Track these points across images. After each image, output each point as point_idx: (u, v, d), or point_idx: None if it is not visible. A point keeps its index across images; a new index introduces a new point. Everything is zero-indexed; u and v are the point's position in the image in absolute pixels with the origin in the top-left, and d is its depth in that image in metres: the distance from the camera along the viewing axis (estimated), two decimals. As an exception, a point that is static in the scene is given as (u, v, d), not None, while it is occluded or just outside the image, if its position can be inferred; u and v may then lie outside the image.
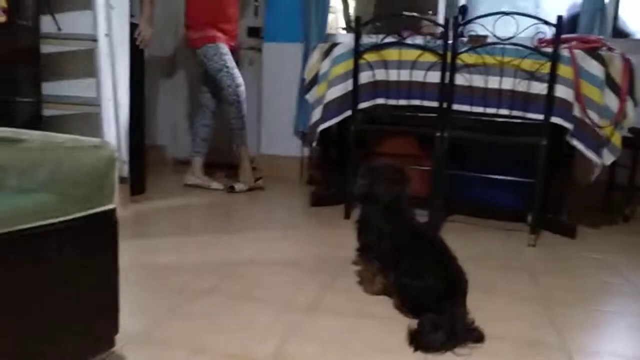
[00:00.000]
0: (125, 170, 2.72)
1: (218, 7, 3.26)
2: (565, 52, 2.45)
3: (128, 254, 1.78)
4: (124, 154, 2.72)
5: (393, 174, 1.79)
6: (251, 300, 1.68)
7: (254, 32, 4.09)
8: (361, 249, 1.81)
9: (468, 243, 2.47)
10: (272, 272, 1.96)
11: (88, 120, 2.67)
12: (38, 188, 1.10)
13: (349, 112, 2.81)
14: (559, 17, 2.36)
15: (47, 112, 2.66)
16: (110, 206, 1.25)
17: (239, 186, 3.36)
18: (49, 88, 2.70)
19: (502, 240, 2.56)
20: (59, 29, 2.62)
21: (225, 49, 3.24)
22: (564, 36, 2.50)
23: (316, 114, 2.90)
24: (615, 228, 2.92)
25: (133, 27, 2.87)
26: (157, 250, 2.15)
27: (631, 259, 2.35)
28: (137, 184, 2.96)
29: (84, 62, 2.70)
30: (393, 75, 2.73)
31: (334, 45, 2.90)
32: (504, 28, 2.47)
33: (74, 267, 1.14)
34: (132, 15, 2.87)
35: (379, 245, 1.71)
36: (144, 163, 3.13)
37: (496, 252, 2.38)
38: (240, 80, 3.24)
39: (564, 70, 2.44)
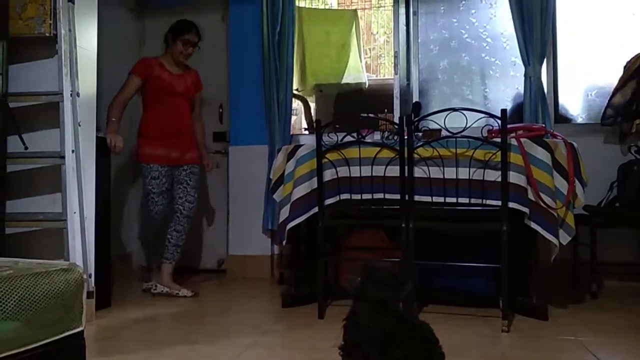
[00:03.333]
0: (91, 285, 2.66)
1: (166, 121, 3.34)
2: (513, 141, 2.61)
3: (95, 375, 1.71)
4: (90, 268, 2.67)
5: (388, 277, 1.81)
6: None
7: (219, 136, 4.23)
8: (344, 347, 1.77)
9: (443, 333, 2.42)
10: (247, 381, 1.90)
11: (53, 235, 2.64)
12: (4, 317, 1.09)
13: (315, 209, 2.87)
14: (503, 111, 2.54)
15: (10, 230, 2.63)
16: (78, 329, 1.23)
17: (183, 292, 3.32)
18: (13, 206, 2.68)
19: (477, 328, 2.55)
20: (26, 148, 2.66)
21: (155, 171, 3.30)
22: (510, 126, 2.68)
23: (284, 213, 2.95)
24: (584, 306, 2.97)
25: (100, 141, 2.94)
26: (125, 368, 2.07)
27: (601, 337, 2.37)
28: (102, 298, 2.88)
29: (49, 178, 2.72)
30: (355, 171, 2.83)
31: (298, 146, 3.02)
32: (456, 120, 2.62)
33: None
34: (98, 129, 2.94)
35: (367, 344, 1.68)
36: (109, 276, 3.07)
37: (472, 341, 2.37)
38: (158, 207, 3.33)
39: (515, 158, 2.58)
